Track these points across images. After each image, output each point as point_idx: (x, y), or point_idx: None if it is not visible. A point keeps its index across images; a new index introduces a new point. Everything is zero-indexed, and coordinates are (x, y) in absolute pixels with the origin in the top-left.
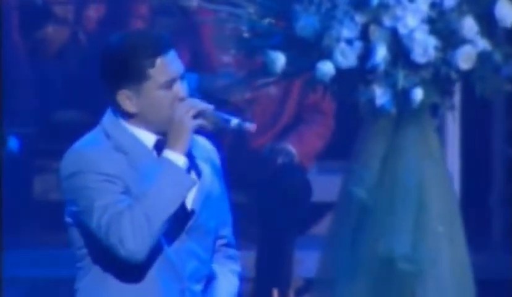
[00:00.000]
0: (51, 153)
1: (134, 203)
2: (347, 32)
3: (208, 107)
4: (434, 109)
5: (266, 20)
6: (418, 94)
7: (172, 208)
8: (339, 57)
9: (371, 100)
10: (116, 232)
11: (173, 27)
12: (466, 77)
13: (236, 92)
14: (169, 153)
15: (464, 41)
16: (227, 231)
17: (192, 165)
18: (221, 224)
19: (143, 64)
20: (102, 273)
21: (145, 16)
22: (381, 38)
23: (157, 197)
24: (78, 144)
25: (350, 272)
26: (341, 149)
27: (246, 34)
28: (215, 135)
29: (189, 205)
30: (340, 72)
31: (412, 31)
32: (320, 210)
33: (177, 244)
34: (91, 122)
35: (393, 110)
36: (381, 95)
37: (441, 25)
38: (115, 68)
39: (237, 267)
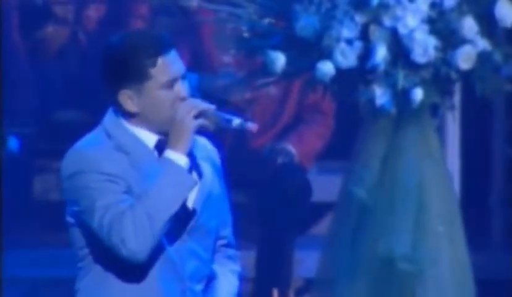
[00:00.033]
0: (51, 153)
1: (136, 203)
2: (347, 32)
3: (210, 107)
4: (434, 109)
5: (266, 20)
6: (418, 94)
7: (173, 208)
8: (339, 57)
9: (371, 100)
10: (118, 232)
11: (173, 27)
12: (466, 77)
13: (236, 92)
14: (170, 153)
15: (464, 41)
16: (227, 231)
17: (193, 165)
18: (221, 225)
19: (144, 63)
20: (103, 273)
21: (145, 16)
22: (381, 38)
23: (159, 197)
24: (79, 144)
25: (350, 272)
26: (341, 149)
27: (246, 34)
28: (215, 135)
29: (190, 205)
30: (340, 72)
31: (412, 31)
32: (320, 210)
33: (178, 244)
34: (91, 122)
35: (393, 110)
36: (381, 95)
37: (441, 25)
38: (116, 68)
39: (237, 267)
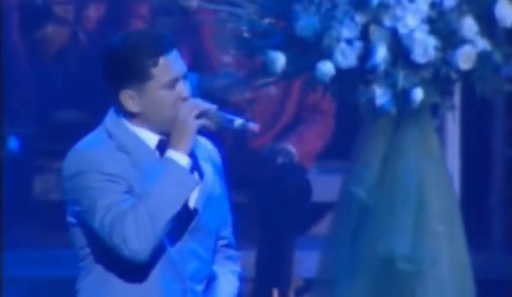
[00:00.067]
0: (51, 153)
1: (137, 203)
2: (347, 32)
3: (211, 107)
4: (434, 109)
5: (266, 20)
6: (418, 94)
7: (175, 208)
8: (339, 57)
9: (371, 100)
10: (119, 232)
11: (173, 27)
12: (466, 77)
13: (236, 92)
14: (172, 153)
15: (464, 41)
16: (227, 231)
17: (195, 165)
18: (222, 225)
19: (145, 63)
20: (104, 273)
21: (145, 16)
22: (381, 38)
23: (160, 197)
24: (80, 144)
25: (350, 272)
26: (341, 149)
27: (246, 34)
28: (215, 135)
29: (192, 205)
30: (340, 72)
31: (412, 31)
32: (320, 210)
33: (179, 244)
34: (91, 122)
35: (393, 110)
36: (381, 95)
37: (441, 25)
38: (117, 68)
39: (237, 268)
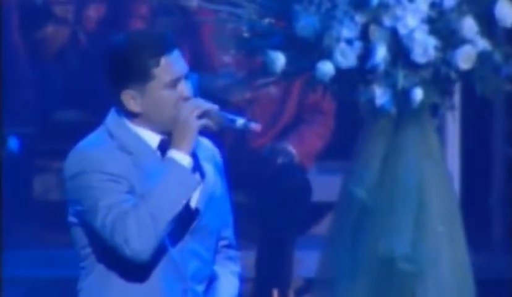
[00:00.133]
0: (51, 153)
1: (139, 203)
2: (347, 32)
3: (213, 107)
4: (434, 109)
5: (266, 20)
6: (418, 94)
7: (177, 208)
8: (339, 57)
9: (371, 100)
10: (121, 231)
11: (173, 27)
12: (466, 77)
13: (236, 92)
14: (174, 153)
15: (464, 41)
16: (228, 232)
17: (196, 165)
18: (223, 225)
19: (147, 63)
20: (105, 273)
21: (145, 16)
22: (381, 38)
23: (162, 197)
24: (81, 144)
25: (350, 272)
26: (341, 149)
27: (246, 34)
28: (215, 135)
29: (193, 205)
30: (340, 72)
31: (412, 31)
32: (320, 210)
33: (180, 244)
34: (91, 122)
35: (393, 110)
36: (381, 95)
37: (441, 25)
38: (119, 68)
39: (237, 268)
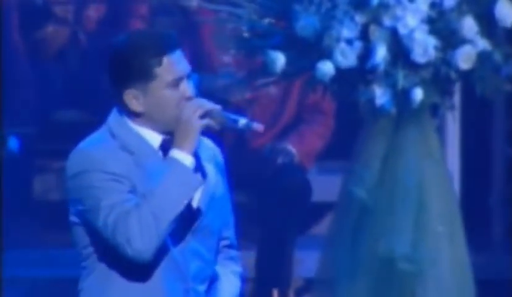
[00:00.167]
0: (51, 153)
1: (141, 203)
2: (347, 32)
3: (216, 107)
4: (434, 109)
5: (266, 20)
6: (418, 94)
7: (179, 208)
8: (339, 57)
9: (371, 100)
10: (123, 231)
11: (173, 27)
12: (466, 77)
13: (236, 92)
14: (176, 153)
15: (464, 41)
16: (230, 232)
17: (198, 165)
18: (224, 225)
19: (149, 63)
20: (106, 273)
21: (145, 16)
22: (381, 38)
23: (164, 197)
24: (83, 143)
25: (351, 272)
26: (341, 149)
27: (246, 34)
28: (215, 135)
29: (195, 205)
30: (340, 72)
31: (412, 31)
32: (320, 210)
33: (181, 244)
34: (91, 122)
35: (393, 110)
36: (381, 95)
37: (441, 25)
38: (121, 68)
39: (238, 268)
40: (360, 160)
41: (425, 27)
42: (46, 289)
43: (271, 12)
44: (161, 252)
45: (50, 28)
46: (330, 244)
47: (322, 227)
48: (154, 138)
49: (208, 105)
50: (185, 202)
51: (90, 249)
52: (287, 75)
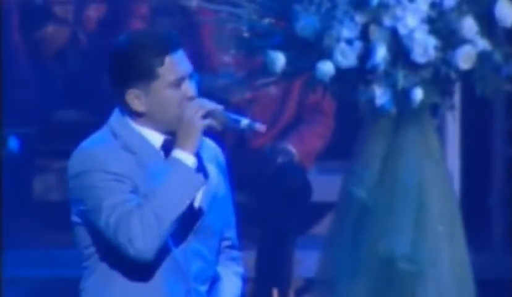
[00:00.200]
0: (51, 153)
1: (143, 203)
2: (347, 32)
3: (218, 107)
4: (434, 109)
5: (266, 20)
6: (418, 94)
7: (181, 208)
8: (339, 57)
9: (371, 100)
10: (125, 231)
11: (173, 27)
12: (466, 77)
13: (236, 92)
14: (178, 153)
15: (464, 41)
16: (231, 232)
17: (200, 165)
18: (226, 226)
19: (151, 62)
20: (108, 273)
21: (145, 16)
22: (381, 38)
23: (166, 197)
24: (85, 143)
25: (351, 272)
26: (341, 149)
27: (246, 34)
28: (215, 135)
29: (197, 205)
30: (340, 72)
31: (412, 31)
32: (320, 210)
33: (183, 244)
34: (91, 122)
35: (393, 110)
36: (381, 95)
37: (441, 25)
38: (123, 68)
39: (240, 269)
40: (360, 160)
41: (425, 27)
42: (46, 289)
43: (271, 12)
44: (163, 252)
45: (50, 28)
46: (330, 244)
47: (322, 227)
48: (156, 138)
49: (210, 105)
50: (187, 202)
51: (92, 249)
52: (287, 75)
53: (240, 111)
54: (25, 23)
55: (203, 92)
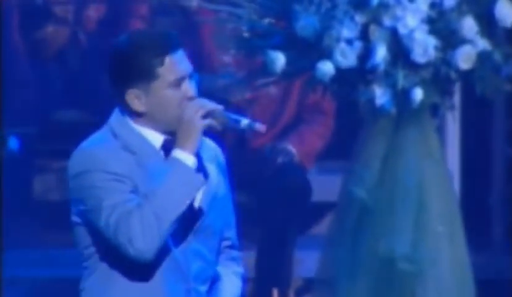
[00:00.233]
0: (51, 153)
1: (143, 203)
2: (347, 32)
3: (218, 107)
4: (434, 109)
5: (266, 20)
6: (418, 94)
7: (181, 208)
8: (339, 57)
9: (371, 100)
10: (125, 231)
11: (173, 27)
12: (466, 77)
13: (236, 92)
14: (178, 153)
15: (464, 41)
16: (231, 232)
17: (200, 165)
18: (226, 226)
19: (151, 62)
20: (108, 273)
21: (145, 16)
22: (381, 38)
23: (166, 197)
24: (85, 143)
25: (351, 272)
26: (341, 149)
27: (246, 34)
28: (215, 135)
29: (197, 205)
30: (340, 72)
31: (412, 31)
32: (320, 210)
33: (183, 244)
34: (91, 122)
35: (393, 110)
36: (381, 95)
37: (441, 25)
38: (124, 68)
39: (240, 269)
40: (360, 160)
41: (425, 27)
42: (46, 289)
43: (271, 12)
44: (163, 252)
45: (50, 28)
46: (330, 244)
47: (322, 227)
48: (156, 139)
49: (210, 105)
50: (188, 202)
51: (92, 249)
52: (287, 75)
53: (240, 111)
54: (25, 23)
55: (203, 92)
